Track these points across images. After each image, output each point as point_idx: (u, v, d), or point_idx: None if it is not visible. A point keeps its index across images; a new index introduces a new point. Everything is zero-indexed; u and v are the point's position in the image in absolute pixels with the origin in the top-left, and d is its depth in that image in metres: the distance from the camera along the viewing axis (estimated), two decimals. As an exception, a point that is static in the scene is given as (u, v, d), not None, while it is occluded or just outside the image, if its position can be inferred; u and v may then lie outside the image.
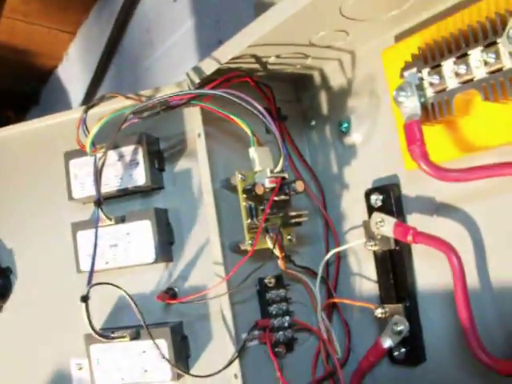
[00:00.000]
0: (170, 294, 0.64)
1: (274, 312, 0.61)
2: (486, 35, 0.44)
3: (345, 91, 0.63)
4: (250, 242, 0.58)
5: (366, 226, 0.60)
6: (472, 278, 0.52)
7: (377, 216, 0.58)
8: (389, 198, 0.58)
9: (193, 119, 0.60)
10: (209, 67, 0.56)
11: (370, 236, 0.59)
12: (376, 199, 0.59)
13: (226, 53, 0.55)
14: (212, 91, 0.55)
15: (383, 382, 0.60)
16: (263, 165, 0.59)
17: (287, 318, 0.62)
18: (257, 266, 0.58)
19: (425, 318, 0.57)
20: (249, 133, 0.57)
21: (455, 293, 0.50)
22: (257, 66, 0.59)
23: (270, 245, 0.58)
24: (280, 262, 0.60)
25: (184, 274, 0.64)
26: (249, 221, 0.58)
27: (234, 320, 0.57)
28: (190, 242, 0.63)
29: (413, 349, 0.58)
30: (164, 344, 0.62)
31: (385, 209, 0.58)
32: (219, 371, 0.56)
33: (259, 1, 0.72)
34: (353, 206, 0.64)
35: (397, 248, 0.58)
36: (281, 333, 0.61)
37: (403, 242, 0.56)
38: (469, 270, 0.51)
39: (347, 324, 0.65)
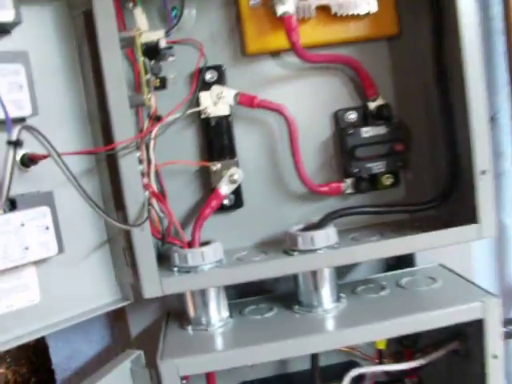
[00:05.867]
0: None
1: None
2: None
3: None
4: (148, 96, 0.67)
5: (201, 98, 0.77)
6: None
7: (217, 88, 0.77)
8: (222, 74, 0.78)
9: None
10: None
11: (207, 105, 0.77)
12: (212, 76, 0.78)
13: None
14: None
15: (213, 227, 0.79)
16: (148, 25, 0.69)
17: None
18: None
19: (242, 168, 0.80)
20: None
21: (292, 141, 0.77)
22: None
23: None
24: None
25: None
26: (148, 76, 0.67)
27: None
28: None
29: (237, 195, 0.80)
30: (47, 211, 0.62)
31: (218, 83, 0.78)
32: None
33: None
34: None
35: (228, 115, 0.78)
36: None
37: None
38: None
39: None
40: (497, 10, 0.91)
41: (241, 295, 0.86)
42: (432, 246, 0.73)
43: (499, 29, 0.92)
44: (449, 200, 0.76)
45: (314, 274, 0.76)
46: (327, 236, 0.73)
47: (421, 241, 0.71)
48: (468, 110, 0.68)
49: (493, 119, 0.95)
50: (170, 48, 0.70)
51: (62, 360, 0.91)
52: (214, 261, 0.73)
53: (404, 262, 0.88)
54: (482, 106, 0.68)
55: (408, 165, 0.81)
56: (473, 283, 0.78)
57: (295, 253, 0.73)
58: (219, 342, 0.72)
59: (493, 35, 0.93)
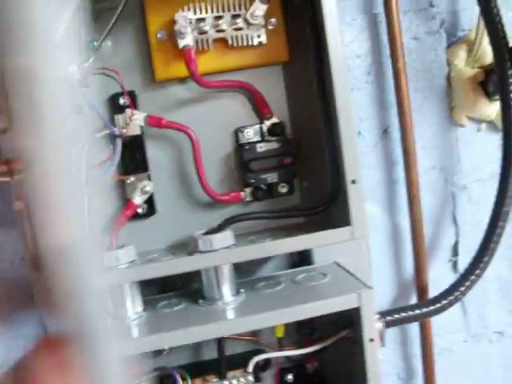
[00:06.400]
0: None
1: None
2: (235, 8, 0.87)
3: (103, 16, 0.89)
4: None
5: (116, 120, 0.90)
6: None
7: (129, 111, 0.89)
8: (134, 99, 0.91)
9: None
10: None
11: (123, 127, 0.89)
12: (125, 100, 0.90)
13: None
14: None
15: (130, 232, 0.91)
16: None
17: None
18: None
19: (154, 180, 0.93)
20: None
21: (195, 157, 0.89)
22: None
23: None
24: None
25: None
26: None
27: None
28: None
29: (150, 205, 0.92)
30: None
31: (131, 107, 0.90)
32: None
33: None
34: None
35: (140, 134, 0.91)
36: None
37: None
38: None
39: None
40: (384, 38, 1.05)
41: (161, 293, 0.98)
42: (313, 245, 0.87)
43: (388, 54, 1.05)
44: (333, 205, 0.88)
45: (215, 271, 0.88)
46: (224, 238, 0.85)
47: (302, 241, 0.83)
48: (338, 129, 0.81)
49: (386, 132, 1.08)
50: (83, 80, 0.83)
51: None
52: (126, 262, 0.85)
53: (305, 260, 1.01)
54: (349, 126, 0.80)
55: (300, 175, 0.94)
56: (356, 278, 0.90)
57: (196, 253, 0.85)
58: (133, 331, 0.84)
59: (383, 60, 1.06)
